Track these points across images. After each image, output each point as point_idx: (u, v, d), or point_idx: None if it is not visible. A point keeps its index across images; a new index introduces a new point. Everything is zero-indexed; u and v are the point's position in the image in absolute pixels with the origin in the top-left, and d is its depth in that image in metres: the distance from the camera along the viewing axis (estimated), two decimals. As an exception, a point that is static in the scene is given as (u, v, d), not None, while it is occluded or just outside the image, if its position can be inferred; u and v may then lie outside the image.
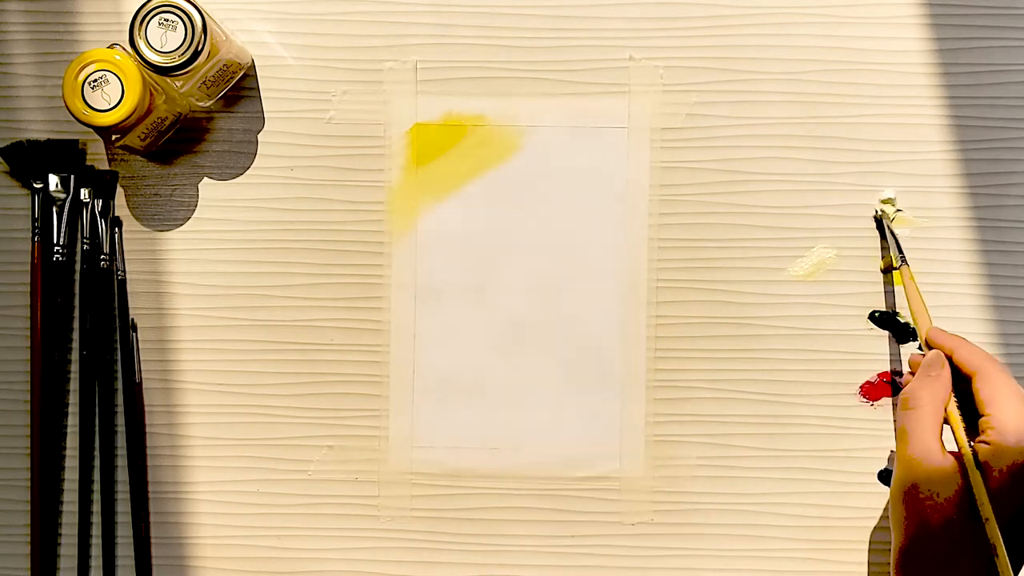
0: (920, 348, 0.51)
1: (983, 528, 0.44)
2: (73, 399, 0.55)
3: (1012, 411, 0.45)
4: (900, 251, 0.53)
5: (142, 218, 0.56)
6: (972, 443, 0.45)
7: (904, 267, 0.52)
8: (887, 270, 0.55)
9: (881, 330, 0.55)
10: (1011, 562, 0.43)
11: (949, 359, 0.48)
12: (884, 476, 0.54)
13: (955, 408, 0.47)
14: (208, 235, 0.55)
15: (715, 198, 0.55)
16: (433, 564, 0.55)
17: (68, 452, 0.55)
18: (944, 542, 0.45)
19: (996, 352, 0.55)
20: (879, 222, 0.54)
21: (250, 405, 0.55)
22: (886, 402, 0.55)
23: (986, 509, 0.44)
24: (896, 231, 0.55)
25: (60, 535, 0.55)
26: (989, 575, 0.44)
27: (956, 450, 0.46)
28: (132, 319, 0.55)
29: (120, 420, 0.55)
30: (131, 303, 0.55)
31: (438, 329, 0.55)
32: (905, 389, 0.48)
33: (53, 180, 0.55)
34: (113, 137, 0.52)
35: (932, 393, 0.47)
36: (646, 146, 0.55)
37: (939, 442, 0.46)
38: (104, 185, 0.55)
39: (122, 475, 0.55)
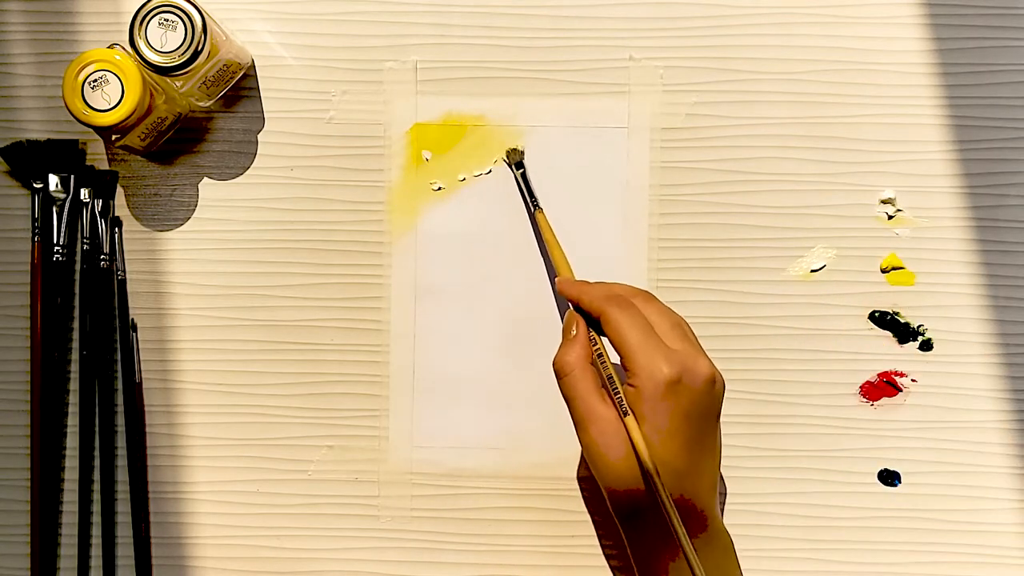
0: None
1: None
2: (73, 399, 0.55)
3: (635, 346, 0.44)
4: (532, 196, 0.53)
5: (142, 218, 0.56)
6: (623, 388, 0.45)
7: (539, 212, 0.52)
8: (887, 270, 0.55)
9: (881, 330, 0.55)
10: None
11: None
12: (884, 476, 0.54)
13: (607, 360, 0.46)
14: (208, 235, 0.55)
15: (715, 198, 0.55)
16: (433, 564, 0.55)
17: (68, 452, 0.55)
18: (631, 494, 0.45)
19: (996, 352, 0.55)
20: (510, 166, 0.54)
21: (250, 405, 0.55)
22: (886, 402, 0.55)
23: (646, 463, 0.43)
24: (898, 230, 0.55)
25: (60, 535, 0.55)
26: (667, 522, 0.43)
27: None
28: (132, 319, 0.55)
29: (120, 420, 0.55)
30: (131, 303, 0.55)
31: (438, 329, 0.55)
32: (553, 359, 0.47)
33: (53, 180, 0.55)
34: (113, 137, 0.52)
35: (575, 356, 0.46)
36: (646, 146, 0.55)
37: (599, 399, 0.45)
38: (104, 185, 0.55)
39: (122, 475, 0.55)
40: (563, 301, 0.54)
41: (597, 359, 0.46)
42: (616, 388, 0.45)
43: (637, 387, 0.44)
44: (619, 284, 0.49)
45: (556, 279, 0.50)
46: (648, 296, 0.48)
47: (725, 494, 0.55)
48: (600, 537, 0.55)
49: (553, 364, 0.47)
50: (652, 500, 0.44)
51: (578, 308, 0.48)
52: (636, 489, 0.44)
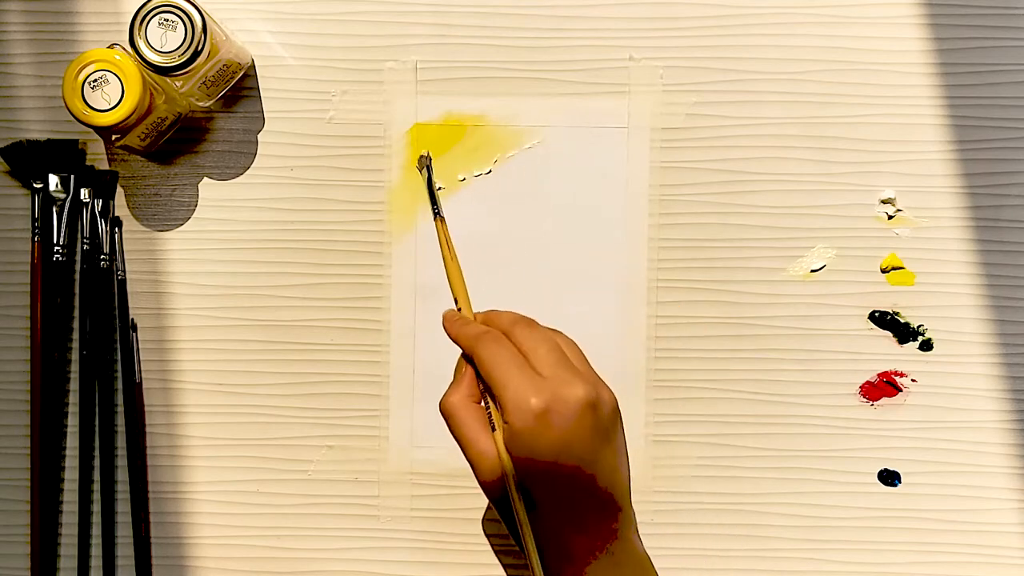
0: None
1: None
2: (73, 399, 0.55)
3: (501, 383, 0.43)
4: (435, 201, 0.51)
5: (142, 218, 0.56)
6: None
7: (438, 220, 0.50)
8: (887, 270, 0.55)
9: (881, 330, 0.55)
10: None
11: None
12: (884, 476, 0.54)
13: (487, 398, 0.45)
14: (208, 235, 0.55)
15: (715, 198, 0.55)
16: (433, 564, 0.55)
17: (68, 452, 0.55)
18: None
19: (996, 352, 0.55)
20: (420, 167, 0.53)
21: (250, 405, 0.55)
22: (886, 402, 0.55)
23: (515, 503, 0.43)
24: (898, 230, 0.55)
25: (60, 535, 0.55)
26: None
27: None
28: (132, 319, 0.55)
29: (120, 420, 0.55)
30: (131, 303, 0.55)
31: (438, 329, 0.55)
32: (440, 401, 0.46)
33: (53, 180, 0.55)
34: (113, 137, 0.52)
35: (458, 397, 0.45)
36: (646, 146, 0.55)
37: (484, 437, 0.44)
38: (104, 185, 0.55)
39: (122, 475, 0.55)
40: (563, 302, 0.54)
41: (487, 397, 0.45)
42: (494, 426, 0.44)
43: (509, 423, 0.43)
44: (503, 313, 0.47)
45: (443, 315, 0.48)
46: (528, 322, 0.46)
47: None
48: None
49: (439, 406, 0.46)
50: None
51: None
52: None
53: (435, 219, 0.50)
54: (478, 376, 0.45)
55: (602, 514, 0.44)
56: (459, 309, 0.48)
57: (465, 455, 0.45)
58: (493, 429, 0.44)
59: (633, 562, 0.45)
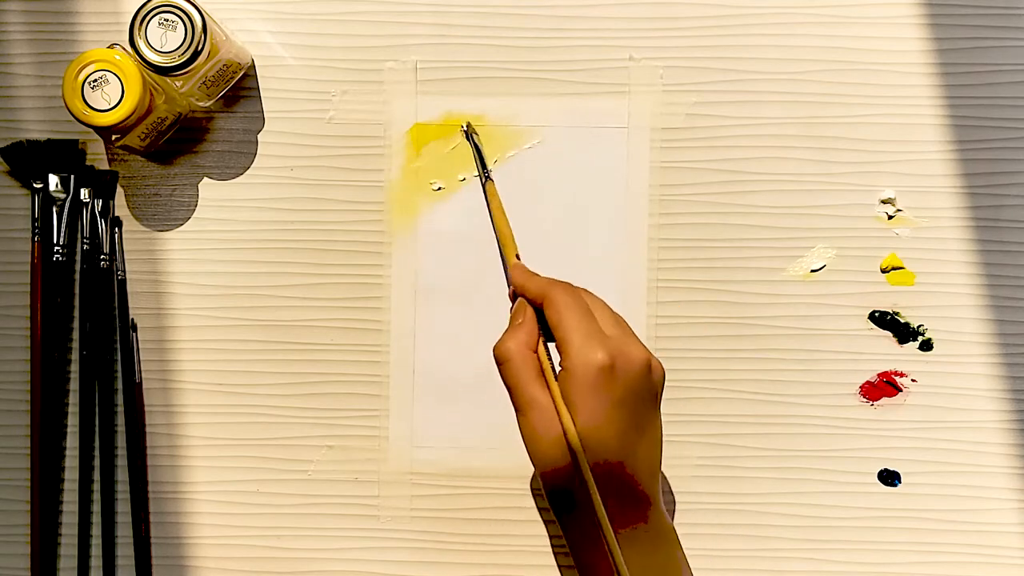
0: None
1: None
2: (73, 399, 0.55)
3: (572, 328, 0.44)
4: (484, 167, 0.53)
5: (142, 218, 0.56)
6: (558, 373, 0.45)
7: (489, 183, 0.51)
8: (887, 270, 0.55)
9: (881, 330, 0.55)
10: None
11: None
12: (884, 476, 0.54)
13: (543, 348, 0.46)
14: (208, 235, 0.55)
15: (715, 198, 0.55)
16: (433, 564, 0.55)
17: (68, 452, 0.55)
18: (564, 482, 0.44)
19: (996, 352, 0.55)
20: (467, 135, 0.54)
21: (250, 405, 0.55)
22: (886, 402, 0.55)
23: (575, 445, 0.43)
24: (898, 230, 0.55)
25: (60, 535, 0.55)
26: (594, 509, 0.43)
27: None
28: (132, 319, 0.55)
29: (120, 420, 0.55)
30: (131, 303, 0.55)
31: (438, 329, 0.55)
32: (495, 345, 0.46)
33: (53, 180, 0.55)
34: (113, 137, 0.52)
35: (516, 343, 0.45)
36: (646, 146, 0.55)
37: (538, 386, 0.44)
38: (104, 185, 0.55)
39: (122, 475, 0.55)
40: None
41: (542, 347, 0.46)
42: (555, 375, 0.45)
43: (569, 370, 0.43)
44: (565, 281, 0.49)
45: (510, 265, 0.49)
46: (588, 291, 0.48)
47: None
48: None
49: (493, 351, 0.46)
50: (584, 487, 0.43)
51: (525, 297, 0.48)
52: (569, 476, 0.44)
53: (485, 182, 0.52)
54: (538, 330, 0.46)
55: (641, 478, 0.44)
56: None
57: (515, 403, 0.45)
58: (548, 381, 0.44)
59: (662, 533, 0.46)
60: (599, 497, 0.43)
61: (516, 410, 0.45)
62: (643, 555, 0.44)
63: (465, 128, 0.54)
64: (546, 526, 0.55)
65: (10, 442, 0.55)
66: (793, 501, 0.55)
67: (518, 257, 0.50)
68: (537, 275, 0.48)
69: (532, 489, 0.55)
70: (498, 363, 0.46)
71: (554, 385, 0.44)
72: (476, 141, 0.54)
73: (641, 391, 0.44)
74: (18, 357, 0.55)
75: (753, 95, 0.55)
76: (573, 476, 0.44)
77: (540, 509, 0.55)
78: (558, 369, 0.45)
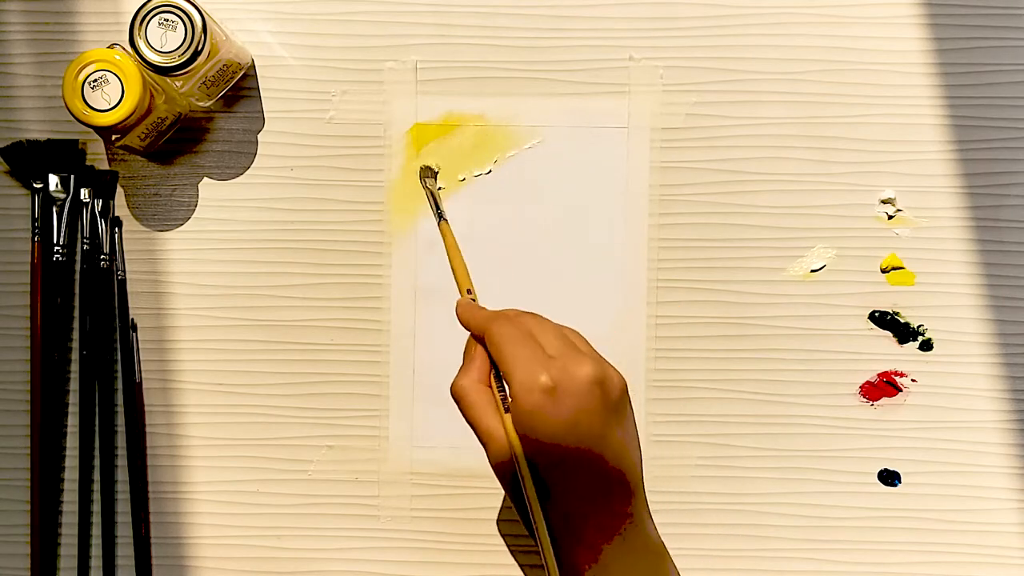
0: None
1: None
2: (73, 399, 0.55)
3: (510, 357, 0.43)
4: (438, 208, 0.53)
5: (142, 218, 0.56)
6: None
7: (443, 223, 0.52)
8: (887, 270, 0.55)
9: (881, 330, 0.55)
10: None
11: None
12: (884, 476, 0.54)
13: (495, 381, 0.45)
14: (208, 235, 0.55)
15: (715, 198, 0.55)
16: (433, 564, 0.55)
17: (68, 452, 0.55)
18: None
19: (996, 352, 0.55)
20: (421, 180, 0.54)
21: (250, 405, 0.55)
22: (886, 402, 0.55)
23: (524, 476, 0.43)
24: (898, 230, 0.55)
25: (60, 535, 0.55)
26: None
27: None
28: (132, 319, 0.55)
29: (120, 420, 0.55)
30: (131, 303, 0.55)
31: (438, 329, 0.55)
32: (451, 384, 0.46)
33: (53, 180, 0.55)
34: (113, 137, 0.52)
35: (468, 380, 0.45)
36: (646, 146, 0.55)
37: (494, 419, 0.44)
38: (104, 185, 0.55)
39: (122, 475, 0.55)
40: (563, 302, 0.54)
41: (494, 380, 0.45)
42: (507, 407, 0.44)
43: (514, 399, 0.43)
44: (511, 309, 0.48)
45: (456, 302, 0.49)
46: (534, 314, 0.47)
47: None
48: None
49: (450, 391, 0.46)
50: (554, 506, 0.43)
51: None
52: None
53: (439, 223, 0.52)
54: (490, 360, 0.45)
55: (614, 496, 0.44)
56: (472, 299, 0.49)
57: (477, 437, 0.45)
58: (507, 412, 0.44)
59: (648, 546, 0.45)
60: (543, 523, 0.43)
61: (481, 444, 0.45)
62: (626, 571, 0.44)
63: (420, 173, 0.55)
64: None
65: (10, 442, 0.55)
66: (793, 501, 0.55)
67: (470, 292, 0.49)
68: (481, 309, 0.48)
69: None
70: (455, 401, 0.46)
71: (504, 417, 0.44)
72: (429, 186, 0.54)
73: (592, 407, 0.43)
74: (18, 357, 0.55)
75: (753, 95, 0.55)
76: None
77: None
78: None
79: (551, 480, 0.43)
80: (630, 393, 0.45)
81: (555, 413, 0.42)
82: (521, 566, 0.55)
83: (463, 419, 0.45)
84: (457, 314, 0.48)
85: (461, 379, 0.46)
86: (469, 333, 0.47)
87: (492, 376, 0.45)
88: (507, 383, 0.44)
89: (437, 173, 0.55)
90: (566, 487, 0.43)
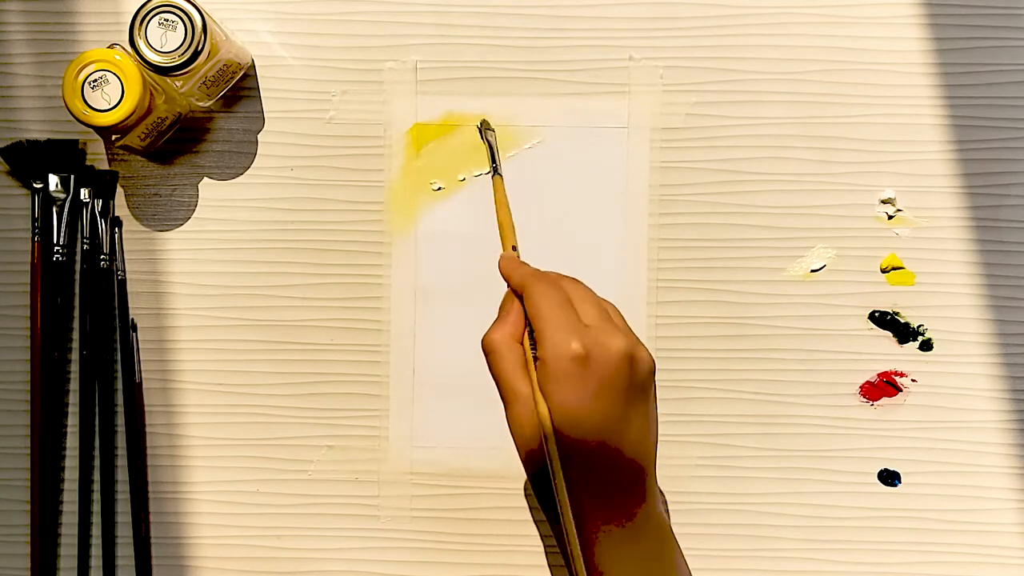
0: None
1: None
2: (73, 399, 0.55)
3: (545, 318, 0.44)
4: (495, 161, 0.53)
5: (142, 218, 0.56)
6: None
7: (497, 177, 0.52)
8: (887, 270, 0.55)
9: (881, 330, 0.55)
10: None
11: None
12: (884, 476, 0.54)
13: (528, 339, 0.45)
14: (208, 235, 0.55)
15: (715, 198, 0.55)
16: (433, 564, 0.55)
17: (68, 452, 0.55)
18: (545, 473, 0.44)
19: (996, 352, 0.55)
20: (481, 133, 0.54)
21: (250, 405, 0.55)
22: (886, 402, 0.55)
23: (549, 438, 0.43)
24: (898, 230, 0.55)
25: (60, 535, 0.55)
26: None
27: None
28: (132, 319, 0.55)
29: (120, 420, 0.55)
30: (131, 303, 0.55)
31: (438, 329, 0.55)
32: (483, 337, 0.46)
33: (53, 180, 0.55)
34: (113, 137, 0.52)
35: (501, 334, 0.45)
36: (646, 146, 0.55)
37: (521, 377, 0.44)
38: (104, 185, 0.55)
39: (122, 475, 0.55)
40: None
41: (527, 338, 0.45)
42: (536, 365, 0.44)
43: (543, 360, 0.43)
44: (553, 272, 0.48)
45: (500, 255, 0.49)
46: (576, 280, 0.47)
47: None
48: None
49: (481, 343, 0.46)
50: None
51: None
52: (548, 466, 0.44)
53: (493, 176, 0.52)
54: (525, 318, 0.45)
55: (628, 473, 0.44)
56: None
57: (501, 393, 0.45)
58: (529, 371, 0.44)
59: (657, 527, 0.45)
60: (564, 486, 0.42)
61: (502, 400, 0.45)
62: (631, 552, 0.44)
63: (480, 126, 0.54)
64: (538, 526, 0.55)
65: (10, 442, 0.55)
66: (793, 501, 0.55)
67: (514, 248, 0.50)
68: (524, 265, 0.48)
69: (530, 490, 0.55)
70: (485, 354, 0.46)
71: (532, 375, 0.44)
72: (490, 139, 0.54)
73: (619, 383, 0.43)
74: (18, 357, 0.55)
75: (753, 95, 0.55)
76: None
77: (539, 508, 0.55)
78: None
79: (565, 449, 0.43)
80: None
81: (583, 381, 0.42)
82: (521, 566, 0.55)
83: (489, 374, 0.45)
84: (500, 267, 0.48)
85: (494, 332, 0.45)
86: (507, 288, 0.47)
87: (526, 334, 0.45)
88: (537, 342, 0.44)
89: (493, 131, 0.55)
90: (582, 460, 0.43)
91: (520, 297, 0.46)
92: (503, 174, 0.53)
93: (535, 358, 0.44)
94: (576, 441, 0.43)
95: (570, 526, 0.43)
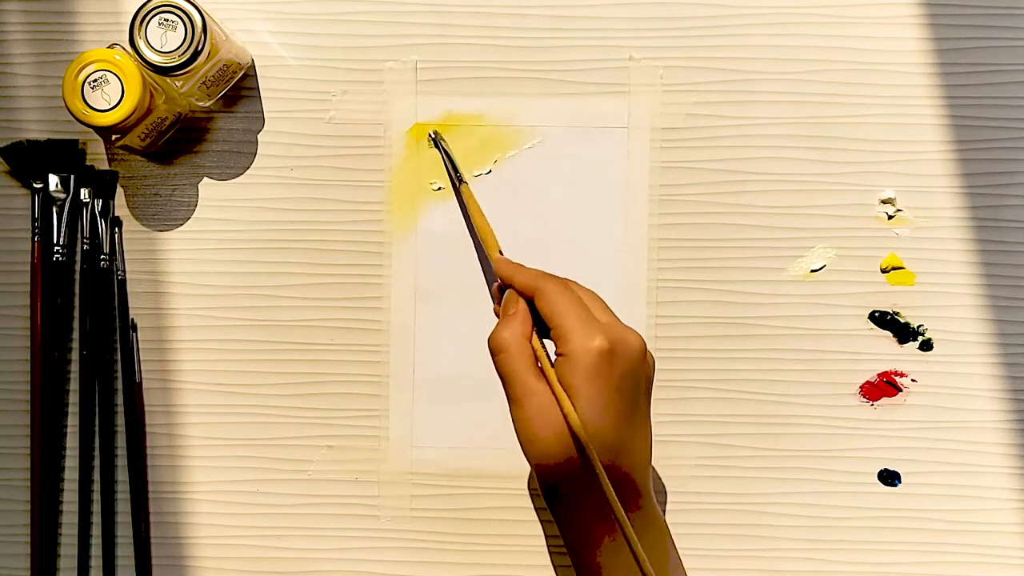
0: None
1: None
2: (73, 399, 0.55)
3: (568, 315, 0.44)
4: (455, 171, 0.53)
5: (142, 218, 0.56)
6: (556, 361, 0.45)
7: (464, 186, 0.52)
8: (887, 270, 0.55)
9: (881, 330, 0.55)
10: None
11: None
12: (884, 476, 0.54)
13: (536, 338, 0.46)
14: (208, 235, 0.55)
15: (715, 198, 0.55)
16: (433, 564, 0.55)
17: (68, 452, 0.55)
18: (560, 470, 0.44)
19: (996, 352, 0.55)
20: (435, 143, 0.54)
21: (250, 405, 0.55)
22: (886, 402, 0.55)
23: (580, 434, 0.43)
24: (898, 230, 0.55)
25: (60, 535, 0.55)
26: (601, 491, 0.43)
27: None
28: (132, 319, 0.55)
29: (120, 420, 0.55)
30: (131, 303, 0.55)
31: (438, 329, 0.55)
32: (489, 336, 0.46)
33: (53, 180, 0.55)
34: (113, 137, 0.52)
35: (513, 332, 0.45)
36: (646, 146, 0.55)
37: (534, 375, 0.44)
38: (104, 185, 0.55)
39: (122, 475, 0.55)
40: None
41: (536, 337, 0.46)
42: (552, 363, 0.45)
43: (569, 356, 0.43)
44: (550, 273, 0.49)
45: (494, 260, 0.49)
46: (577, 283, 0.48)
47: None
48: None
49: (488, 342, 0.46)
50: (582, 476, 0.43)
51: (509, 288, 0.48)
52: (566, 464, 0.44)
53: (459, 186, 0.53)
54: (532, 316, 0.46)
55: (638, 466, 0.45)
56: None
57: (511, 393, 0.45)
58: (552, 367, 0.44)
59: (657, 521, 0.46)
60: (608, 480, 0.43)
61: (511, 400, 0.45)
62: (639, 540, 0.44)
63: (432, 135, 0.55)
64: (544, 526, 0.55)
65: (10, 442, 0.55)
66: (793, 501, 0.55)
67: (501, 252, 0.50)
68: (524, 267, 0.48)
69: (531, 489, 0.55)
70: (493, 354, 0.46)
71: (551, 372, 0.44)
72: (445, 147, 0.54)
73: (638, 378, 0.45)
74: (18, 357, 0.55)
75: (753, 95, 0.55)
76: (572, 467, 0.44)
77: (539, 509, 0.55)
78: (554, 358, 0.45)
79: (592, 441, 0.43)
80: None
81: (608, 376, 0.43)
82: (521, 566, 0.55)
83: (497, 375, 0.45)
84: (499, 272, 0.48)
85: (503, 331, 0.46)
86: (508, 289, 0.47)
87: (535, 333, 0.46)
88: (561, 339, 0.44)
89: (440, 136, 0.55)
90: (601, 452, 0.43)
91: (526, 297, 0.46)
92: (467, 180, 0.54)
93: (557, 355, 0.44)
94: (596, 435, 0.43)
95: (620, 514, 0.43)
